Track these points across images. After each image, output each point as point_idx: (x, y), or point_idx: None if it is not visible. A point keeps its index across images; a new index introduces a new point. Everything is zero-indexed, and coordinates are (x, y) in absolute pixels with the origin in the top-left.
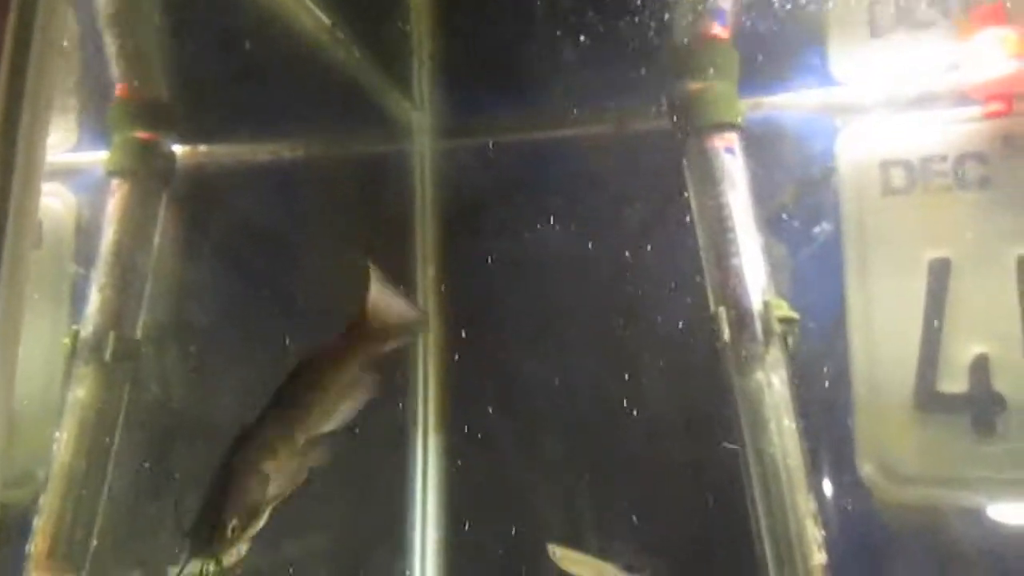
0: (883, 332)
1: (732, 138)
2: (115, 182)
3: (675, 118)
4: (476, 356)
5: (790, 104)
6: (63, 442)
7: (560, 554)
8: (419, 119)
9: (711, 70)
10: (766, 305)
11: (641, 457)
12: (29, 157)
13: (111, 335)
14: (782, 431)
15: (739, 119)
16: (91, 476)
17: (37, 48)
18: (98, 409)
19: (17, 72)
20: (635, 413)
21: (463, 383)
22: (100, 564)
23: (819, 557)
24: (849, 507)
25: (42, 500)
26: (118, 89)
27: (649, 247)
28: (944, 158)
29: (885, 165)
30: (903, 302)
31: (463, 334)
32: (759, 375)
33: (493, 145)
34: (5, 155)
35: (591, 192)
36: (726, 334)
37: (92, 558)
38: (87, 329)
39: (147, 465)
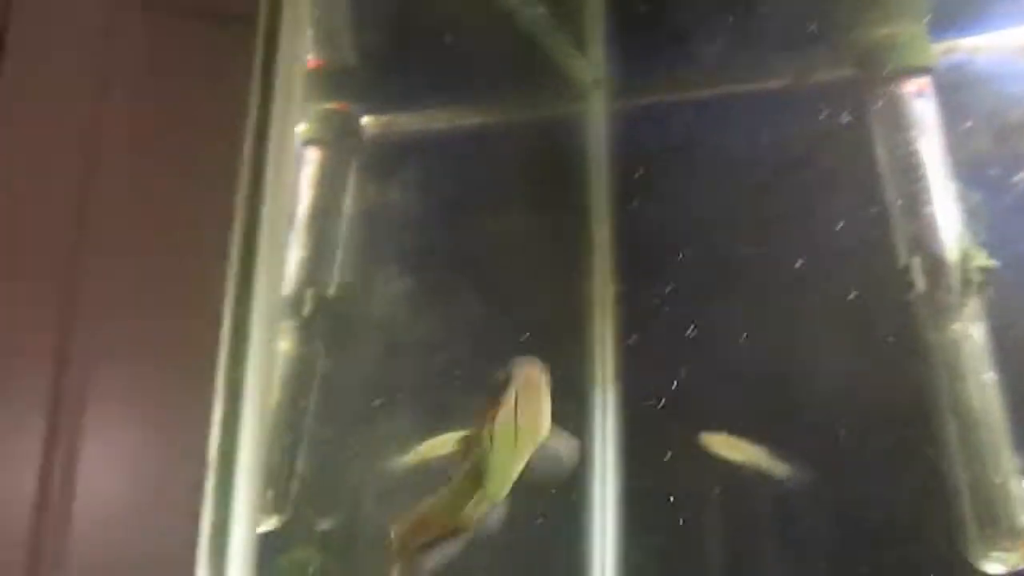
0: None
1: (924, 83)
2: (309, 150)
3: (861, 66)
4: (651, 316)
5: (987, 47)
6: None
7: (715, 441)
8: (595, 78)
9: (898, 13)
10: (963, 254)
11: (824, 412)
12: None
13: (309, 292)
14: (982, 384)
15: (931, 62)
16: (293, 424)
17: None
18: (299, 361)
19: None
20: (818, 369)
21: (638, 341)
22: (300, 509)
23: None
24: None
25: None
26: (311, 61)
27: (831, 202)
28: None
29: None
30: None
31: (638, 295)
32: (956, 326)
33: (669, 103)
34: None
35: (771, 148)
36: (921, 285)
37: (293, 503)
38: (287, 287)
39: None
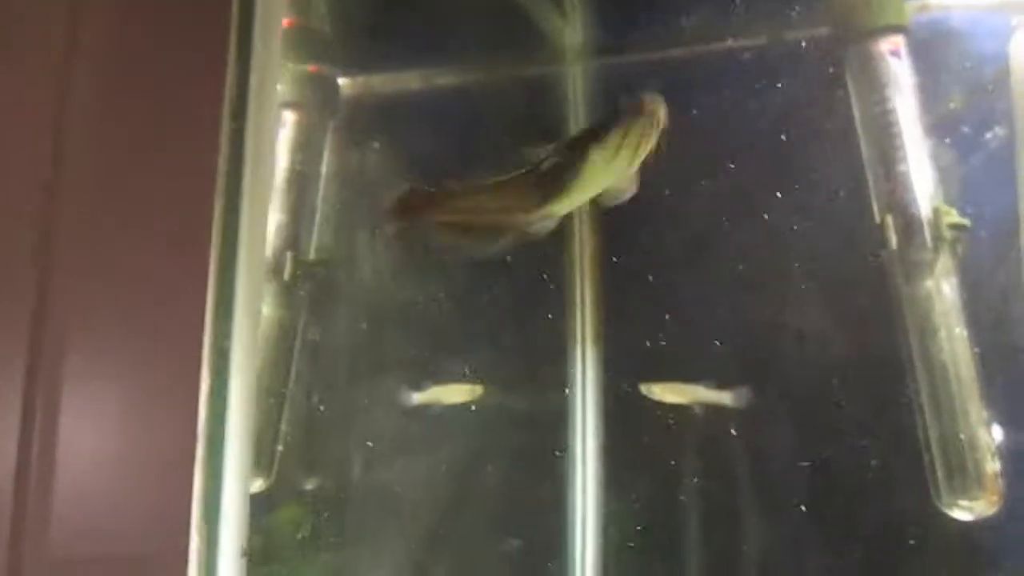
0: None
1: (898, 41)
2: (285, 113)
3: (836, 24)
4: (632, 269)
5: (960, 4)
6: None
7: (656, 389)
8: (571, 37)
9: None
10: (935, 212)
11: (800, 367)
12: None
13: (288, 256)
14: (952, 338)
15: (905, 20)
16: (275, 388)
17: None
18: (279, 325)
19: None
20: (793, 325)
21: (618, 301)
22: (286, 470)
23: (992, 465)
24: None
25: None
26: (284, 21)
27: (808, 159)
28: None
29: None
30: None
31: (617, 255)
32: (928, 283)
33: (645, 61)
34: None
35: (747, 107)
36: (893, 242)
37: (280, 464)
38: (267, 252)
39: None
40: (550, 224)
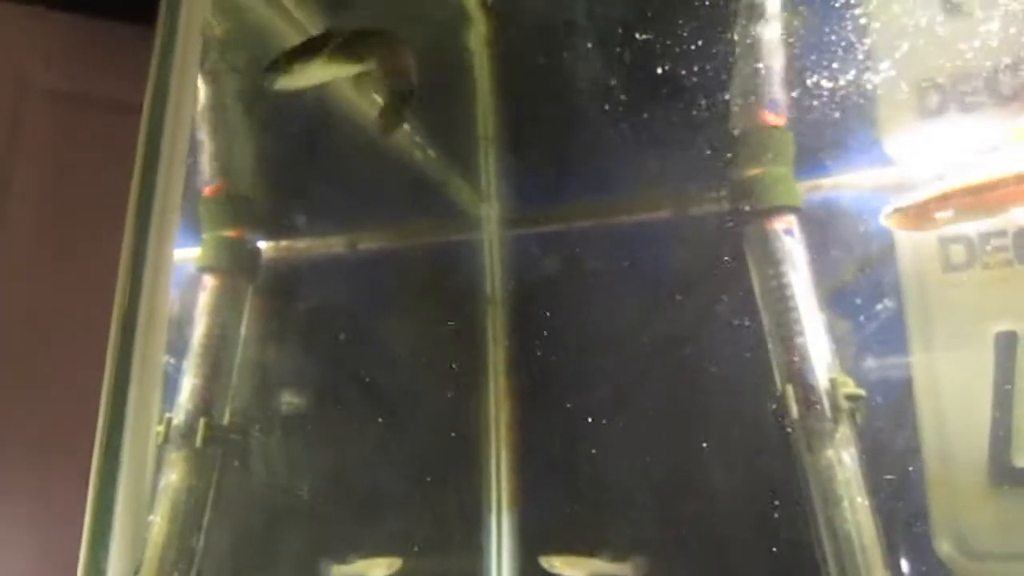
0: (952, 407)
1: (791, 220)
2: (205, 277)
3: (734, 202)
4: (545, 434)
5: (847, 184)
6: (156, 525)
7: (555, 562)
8: (487, 210)
9: (768, 155)
10: (832, 382)
11: (713, 536)
12: (159, 253)
13: (202, 422)
14: (855, 508)
15: (797, 201)
16: (183, 557)
17: (167, 154)
18: (189, 493)
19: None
20: (705, 490)
21: (533, 460)
22: None
23: None
24: None
25: None
26: (207, 189)
27: (713, 328)
28: (1004, 233)
29: (944, 242)
30: (971, 377)
31: (531, 413)
32: (829, 452)
33: (556, 232)
34: (137, 249)
35: (655, 275)
36: (794, 411)
37: None
38: (179, 417)
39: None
40: None
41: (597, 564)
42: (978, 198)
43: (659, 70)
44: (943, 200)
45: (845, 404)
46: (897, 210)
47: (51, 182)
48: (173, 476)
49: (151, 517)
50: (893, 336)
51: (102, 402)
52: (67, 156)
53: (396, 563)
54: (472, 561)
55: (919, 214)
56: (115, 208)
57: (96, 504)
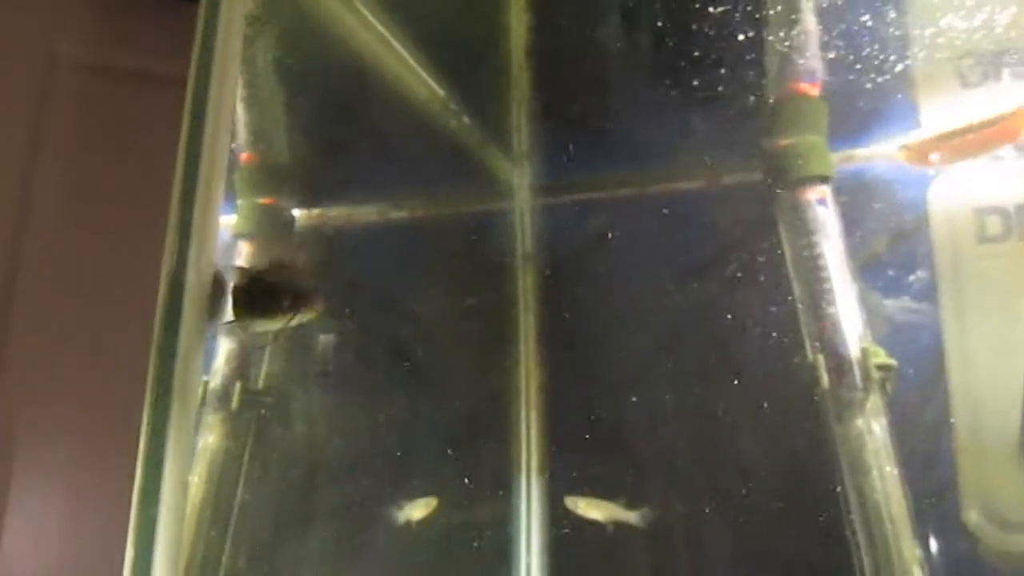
0: (984, 378)
1: (824, 190)
2: (240, 243)
3: (767, 172)
4: (573, 403)
5: (881, 155)
6: (195, 485)
7: (579, 503)
8: (519, 178)
9: (801, 125)
10: (864, 352)
11: (739, 507)
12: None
13: (237, 386)
14: (884, 477)
15: (830, 171)
16: (220, 518)
17: (212, 121)
18: (226, 455)
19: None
20: (732, 461)
21: (562, 428)
22: None
23: None
24: (956, 555)
25: None
26: (243, 157)
27: (745, 297)
28: None
29: (980, 213)
30: (1003, 348)
31: (561, 382)
32: (859, 422)
33: (589, 200)
34: (183, 221)
35: (686, 244)
36: (825, 381)
37: None
38: (215, 380)
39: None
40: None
41: (616, 509)
42: (980, 133)
43: (696, 37)
44: (946, 137)
45: (876, 374)
46: (904, 146)
47: (80, 156)
48: (211, 438)
49: (190, 477)
50: (926, 307)
51: (151, 362)
52: (96, 129)
53: (432, 502)
54: (500, 520)
55: (924, 149)
56: (145, 180)
57: (146, 462)
